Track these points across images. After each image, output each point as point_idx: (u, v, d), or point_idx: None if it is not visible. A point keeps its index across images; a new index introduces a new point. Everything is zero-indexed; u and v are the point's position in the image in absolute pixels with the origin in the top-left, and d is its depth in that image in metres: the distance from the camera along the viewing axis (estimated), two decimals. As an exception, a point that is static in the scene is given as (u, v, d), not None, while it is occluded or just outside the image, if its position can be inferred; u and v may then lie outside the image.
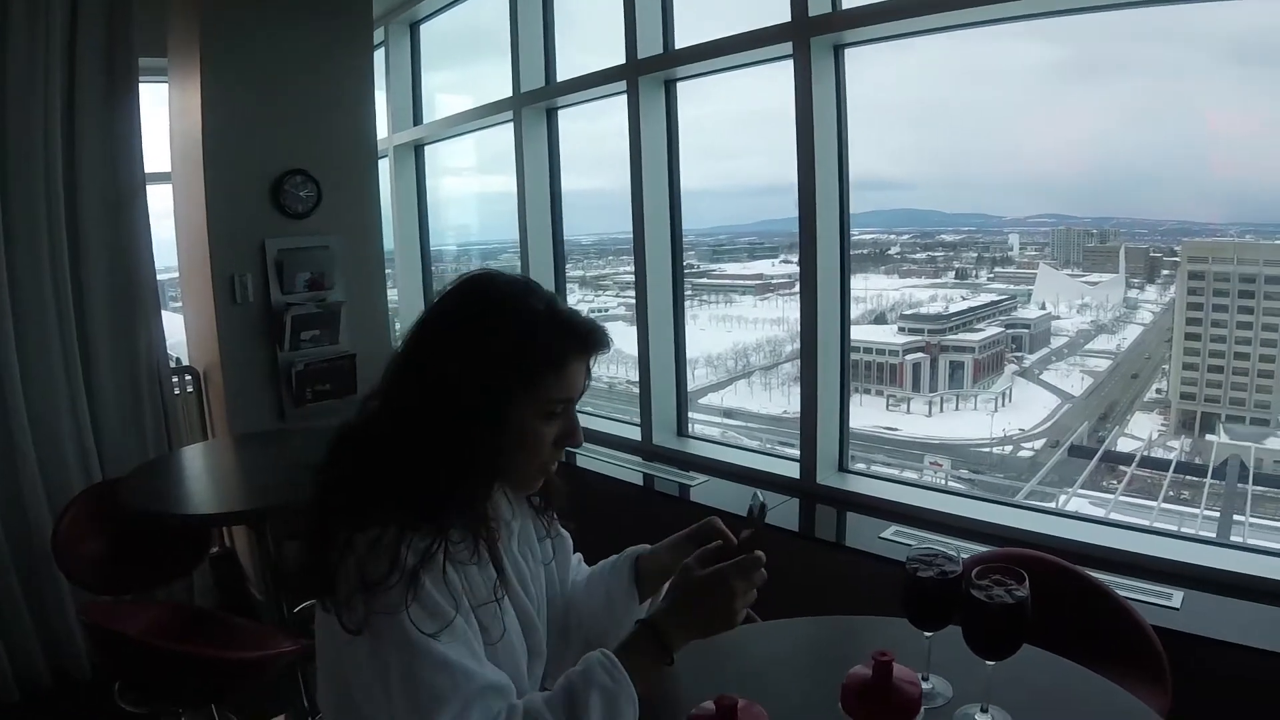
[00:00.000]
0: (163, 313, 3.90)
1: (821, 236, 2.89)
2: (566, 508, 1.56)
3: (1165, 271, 2.39)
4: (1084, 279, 2.69)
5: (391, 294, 5.13)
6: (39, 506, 3.36)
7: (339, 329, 4.19)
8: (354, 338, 4.24)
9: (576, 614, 1.59)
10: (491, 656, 1.24)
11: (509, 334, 1.28)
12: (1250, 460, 2.28)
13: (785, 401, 3.73)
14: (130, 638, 2.17)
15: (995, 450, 2.89)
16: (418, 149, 5.28)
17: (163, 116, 4.11)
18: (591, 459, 3.63)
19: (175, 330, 4.24)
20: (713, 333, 5.52)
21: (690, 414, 3.74)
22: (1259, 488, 2.28)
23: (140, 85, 3.68)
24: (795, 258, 2.95)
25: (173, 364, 4.07)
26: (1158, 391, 2.49)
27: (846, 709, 1.15)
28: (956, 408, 2.97)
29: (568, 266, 4.42)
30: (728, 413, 4.12)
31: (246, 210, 3.90)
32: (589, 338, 1.34)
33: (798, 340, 2.98)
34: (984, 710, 1.34)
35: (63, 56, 3.39)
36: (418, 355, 1.31)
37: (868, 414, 3.02)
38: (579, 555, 1.70)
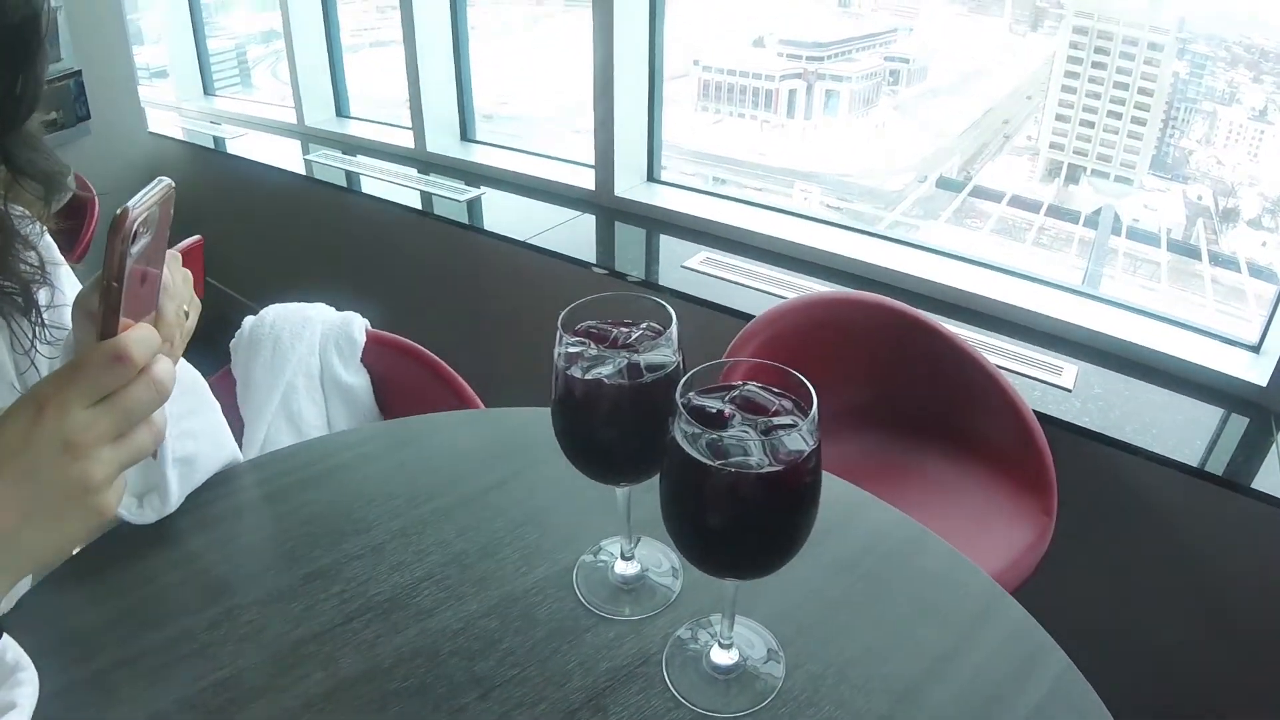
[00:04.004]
0: None
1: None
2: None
3: (1049, 22, 2.36)
4: (968, 18, 2.62)
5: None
6: None
7: (57, 35, 3.12)
8: (81, 46, 3.13)
9: None
10: None
11: None
12: (1126, 213, 2.27)
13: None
14: None
15: (865, 181, 2.85)
16: None
17: None
18: (365, 176, 2.87)
19: None
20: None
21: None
22: (1129, 242, 2.25)
23: None
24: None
25: None
26: (1029, 138, 2.49)
27: None
28: (830, 137, 2.86)
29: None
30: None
31: None
32: None
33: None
34: (724, 644, 0.63)
35: None
36: None
37: (740, 139, 2.89)
38: None
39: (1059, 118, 2.29)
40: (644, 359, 0.60)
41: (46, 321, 0.82)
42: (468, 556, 0.79)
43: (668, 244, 2.25)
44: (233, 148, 3.22)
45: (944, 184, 2.68)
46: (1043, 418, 1.49)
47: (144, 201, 0.55)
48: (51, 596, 0.77)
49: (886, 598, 0.76)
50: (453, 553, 0.79)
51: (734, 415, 0.52)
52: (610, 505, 0.73)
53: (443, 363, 1.39)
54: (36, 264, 0.81)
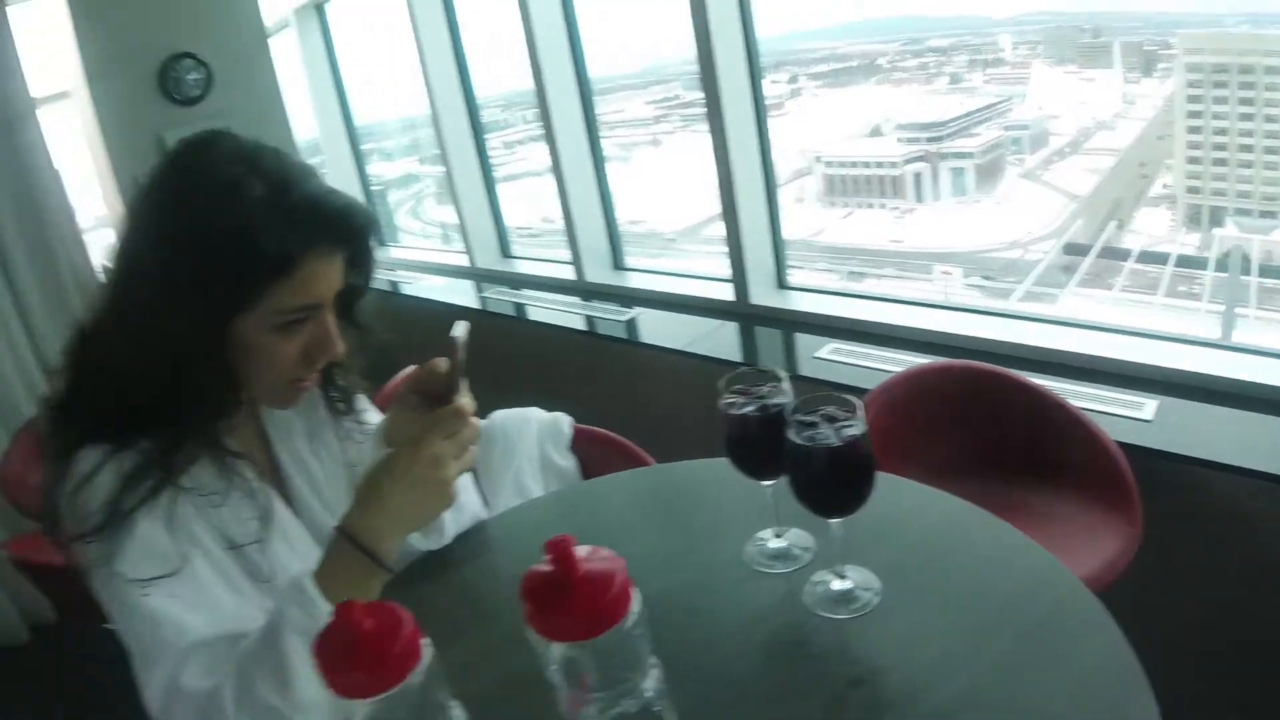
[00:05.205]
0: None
1: (718, 45, 2.58)
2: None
3: (1162, 65, 2.31)
4: (1079, 75, 2.55)
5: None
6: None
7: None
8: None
9: None
10: (269, 594, 1.07)
11: (205, 233, 0.99)
12: (1256, 251, 2.20)
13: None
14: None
15: (1004, 255, 2.81)
16: (319, 9, 4.54)
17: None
18: (533, 305, 3.41)
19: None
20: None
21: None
22: (1264, 279, 2.20)
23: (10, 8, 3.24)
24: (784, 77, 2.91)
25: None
26: (1164, 186, 2.42)
27: (528, 619, 0.71)
28: (962, 215, 2.86)
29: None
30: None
31: (134, 103, 3.62)
32: (332, 228, 1.05)
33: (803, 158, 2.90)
34: (841, 576, 1.02)
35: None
36: (121, 245, 1.07)
37: (872, 229, 2.93)
38: None
39: (1190, 160, 2.26)
40: (770, 401, 1.03)
41: (361, 421, 1.34)
42: (677, 547, 1.22)
43: (801, 340, 2.60)
44: (409, 290, 3.90)
45: (1071, 249, 2.66)
46: (1126, 446, 1.70)
47: (462, 331, 1.08)
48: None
49: (963, 557, 1.11)
50: (668, 547, 1.23)
51: (819, 421, 0.94)
52: (766, 509, 1.14)
53: (631, 444, 1.82)
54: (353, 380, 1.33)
